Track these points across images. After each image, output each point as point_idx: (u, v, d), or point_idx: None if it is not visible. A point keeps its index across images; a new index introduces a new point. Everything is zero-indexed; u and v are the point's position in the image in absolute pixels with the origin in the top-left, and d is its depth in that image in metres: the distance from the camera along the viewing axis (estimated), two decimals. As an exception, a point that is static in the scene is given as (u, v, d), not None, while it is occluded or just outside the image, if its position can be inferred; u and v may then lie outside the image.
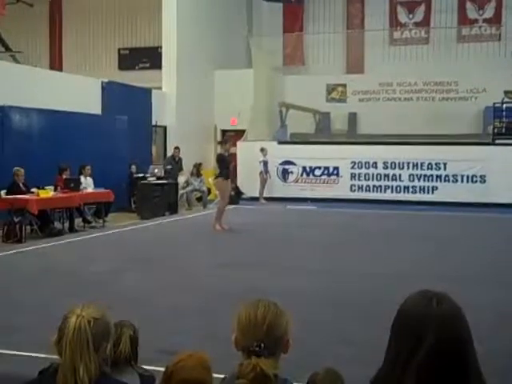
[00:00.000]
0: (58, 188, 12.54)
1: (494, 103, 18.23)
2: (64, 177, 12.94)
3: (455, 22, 22.42)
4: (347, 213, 15.81)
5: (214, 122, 21.22)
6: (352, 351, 5.04)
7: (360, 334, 5.60)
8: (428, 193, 18.11)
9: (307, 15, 24.06)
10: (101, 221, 13.37)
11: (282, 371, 1.92)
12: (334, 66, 23.19)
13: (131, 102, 16.77)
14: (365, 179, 18.58)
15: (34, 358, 4.49)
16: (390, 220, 14.78)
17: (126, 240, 11.91)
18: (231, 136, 16.41)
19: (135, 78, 20.48)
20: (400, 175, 18.29)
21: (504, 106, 18.45)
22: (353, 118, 22.39)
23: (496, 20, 21.96)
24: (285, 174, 19.21)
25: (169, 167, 17.04)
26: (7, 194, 11.62)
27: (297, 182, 19.13)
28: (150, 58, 22.81)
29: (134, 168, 16.29)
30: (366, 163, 18.51)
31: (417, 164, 18.11)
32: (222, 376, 2.05)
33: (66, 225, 12.49)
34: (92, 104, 15.76)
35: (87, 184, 13.51)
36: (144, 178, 16.04)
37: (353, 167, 18.62)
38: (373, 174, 18.51)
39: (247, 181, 18.67)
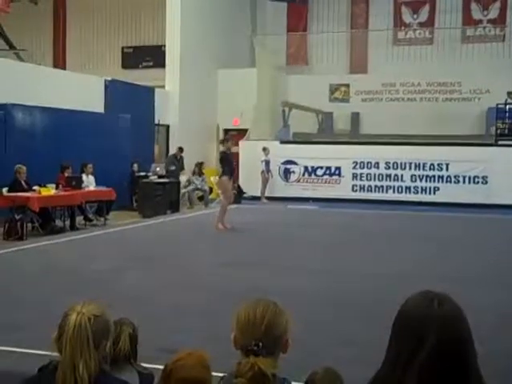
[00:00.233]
0: (60, 186, 12.53)
1: (497, 104, 18.20)
2: (66, 175, 12.94)
3: (460, 23, 22.39)
4: (349, 213, 15.79)
5: (217, 121, 21.21)
6: (353, 352, 5.03)
7: (361, 334, 5.59)
8: (430, 193, 18.07)
9: (311, 15, 24.04)
10: (102, 219, 13.38)
11: (283, 372, 1.90)
12: (338, 66, 23.18)
13: (134, 101, 16.77)
14: (367, 179, 18.55)
15: (34, 355, 4.48)
16: (391, 220, 14.77)
17: (127, 238, 11.92)
18: (233, 135, 16.39)
19: (138, 76, 20.51)
20: (402, 175, 18.26)
21: (507, 107, 18.45)
22: (355, 118, 22.38)
23: (500, 21, 21.93)
24: (287, 173, 19.18)
25: (172, 168, 16.95)
26: (9, 191, 11.61)
27: (298, 181, 19.10)
28: (153, 56, 22.85)
29: (135, 166, 16.28)
30: (368, 163, 18.48)
31: (419, 164, 18.07)
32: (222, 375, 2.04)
33: (68, 223, 12.49)
34: (95, 102, 15.76)
35: (89, 182, 13.51)
36: (146, 176, 16.06)
37: (355, 167, 18.58)
38: (375, 175, 18.48)
39: (249, 180, 18.63)
